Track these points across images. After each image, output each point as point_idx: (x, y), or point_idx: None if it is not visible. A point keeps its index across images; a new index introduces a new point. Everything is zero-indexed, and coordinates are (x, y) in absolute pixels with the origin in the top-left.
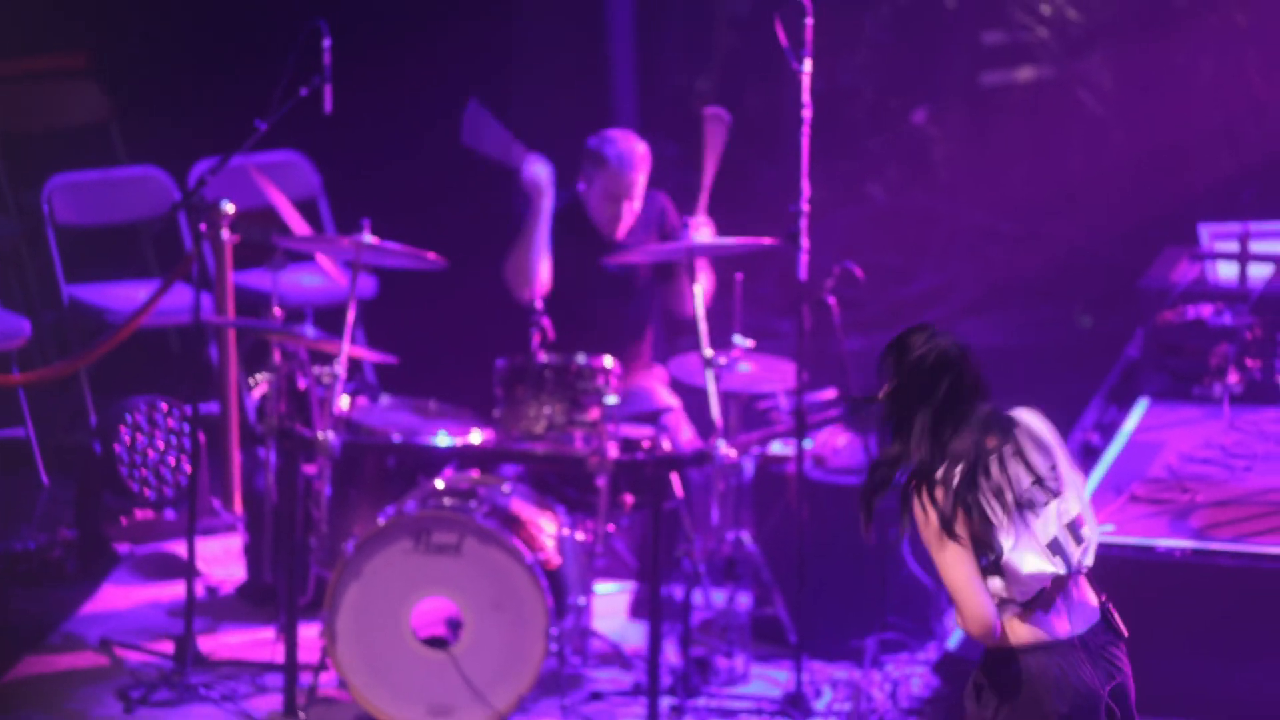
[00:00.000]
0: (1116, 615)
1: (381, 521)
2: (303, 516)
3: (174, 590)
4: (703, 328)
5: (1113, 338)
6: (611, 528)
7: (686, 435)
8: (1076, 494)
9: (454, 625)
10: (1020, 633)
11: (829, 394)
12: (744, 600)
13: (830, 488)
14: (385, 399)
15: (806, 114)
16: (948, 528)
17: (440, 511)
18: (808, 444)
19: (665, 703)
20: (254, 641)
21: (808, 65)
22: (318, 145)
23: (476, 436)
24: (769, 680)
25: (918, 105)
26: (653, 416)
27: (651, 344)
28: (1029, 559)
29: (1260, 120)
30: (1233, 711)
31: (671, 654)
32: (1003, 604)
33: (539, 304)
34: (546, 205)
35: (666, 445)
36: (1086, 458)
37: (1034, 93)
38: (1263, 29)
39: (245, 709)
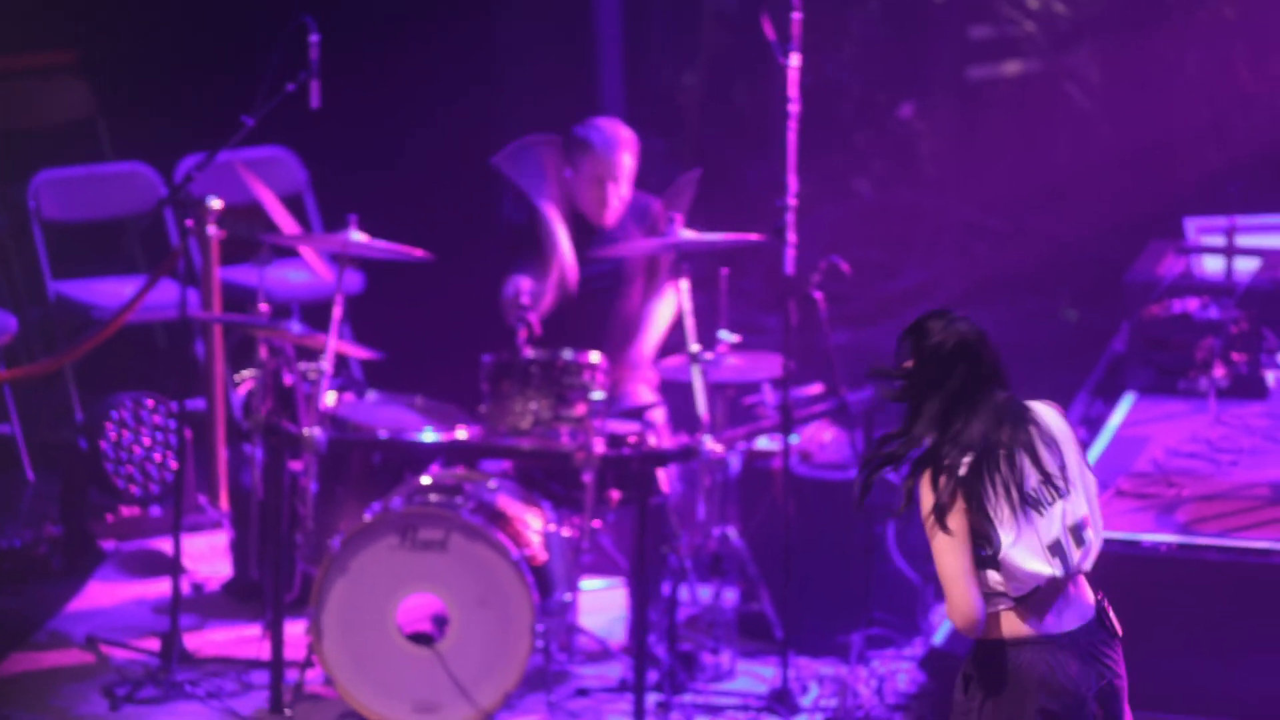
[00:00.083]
0: (1112, 614)
1: (368, 518)
2: (289, 513)
3: (160, 587)
4: (689, 323)
5: (1099, 332)
6: (598, 523)
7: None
8: (1085, 496)
9: (440, 622)
10: (1011, 626)
11: (815, 389)
12: (730, 596)
13: (816, 483)
14: (371, 395)
15: (794, 109)
16: (942, 517)
17: (426, 507)
18: (794, 439)
19: (651, 699)
20: (240, 638)
21: (795, 60)
22: (304, 141)
23: (463, 432)
24: (755, 676)
25: (905, 100)
26: (635, 414)
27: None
28: (1028, 558)
29: (1247, 114)
30: (1218, 706)
31: (658, 649)
32: (997, 597)
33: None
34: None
35: (652, 441)
36: None
37: (1021, 87)
38: (1251, 23)
39: (231, 706)
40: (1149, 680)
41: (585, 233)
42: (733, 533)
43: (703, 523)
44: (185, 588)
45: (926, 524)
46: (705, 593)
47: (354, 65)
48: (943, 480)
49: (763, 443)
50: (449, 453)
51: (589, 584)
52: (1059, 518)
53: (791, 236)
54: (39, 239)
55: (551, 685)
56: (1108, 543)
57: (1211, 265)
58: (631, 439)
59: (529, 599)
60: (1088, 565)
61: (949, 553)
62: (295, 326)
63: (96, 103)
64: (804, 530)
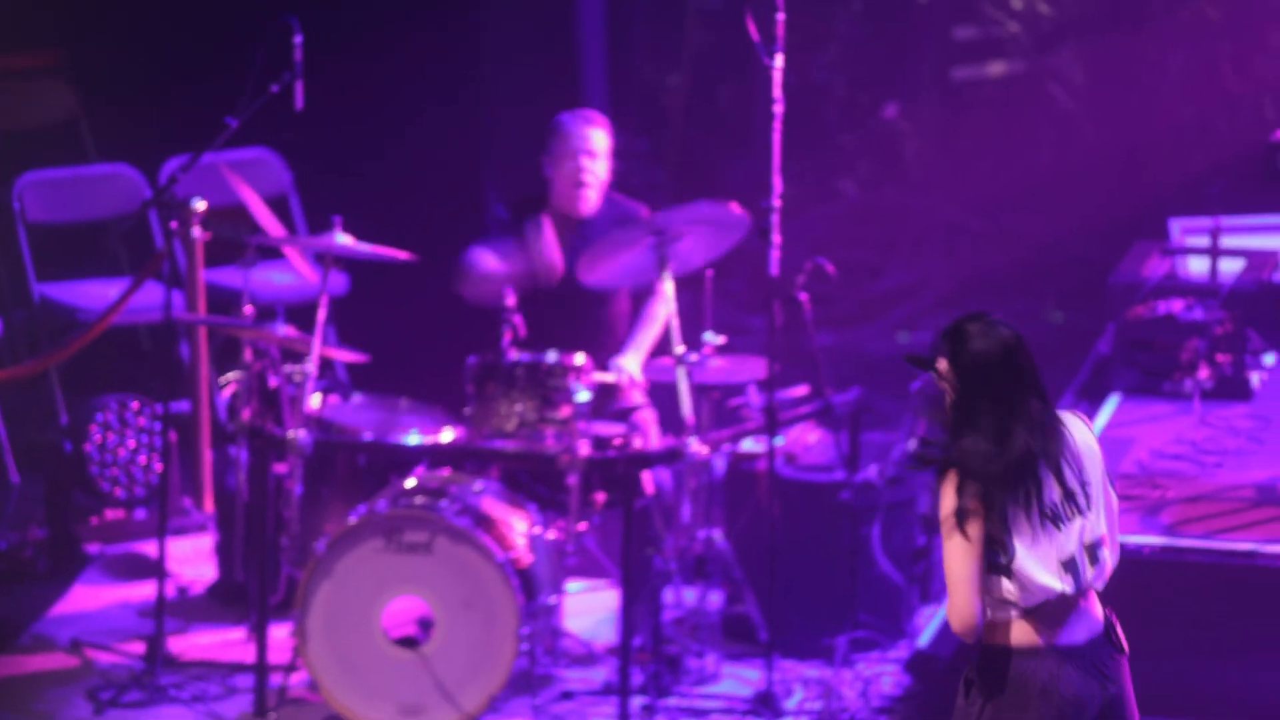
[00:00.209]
0: (1120, 630)
1: (353, 520)
2: (274, 515)
3: (145, 590)
4: (674, 324)
5: (1084, 333)
6: (583, 526)
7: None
8: (1105, 515)
9: (425, 625)
10: (1018, 634)
11: (800, 391)
12: (715, 599)
13: (802, 485)
14: (357, 397)
15: (778, 110)
16: (962, 522)
17: (411, 510)
18: (779, 441)
19: (636, 702)
20: (225, 642)
21: (779, 61)
22: (289, 142)
23: (448, 435)
24: (740, 679)
25: (889, 101)
26: (623, 415)
27: (624, 344)
28: (1041, 572)
29: (1231, 115)
30: (1201, 707)
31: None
32: (1006, 605)
33: (511, 301)
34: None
35: (638, 443)
36: None
37: (1005, 88)
38: (1234, 23)
39: (215, 710)
40: (1133, 682)
41: (565, 227)
42: (718, 535)
43: (688, 525)
44: (170, 591)
45: (944, 525)
46: (690, 595)
47: (338, 66)
48: (968, 486)
49: (748, 445)
50: (434, 455)
51: (574, 586)
52: (1076, 534)
53: (776, 237)
54: (23, 241)
55: (536, 688)
56: None
57: (1196, 266)
58: (617, 441)
59: (514, 602)
60: (1100, 584)
61: (960, 557)
62: (280, 328)
63: (81, 104)
64: (789, 533)
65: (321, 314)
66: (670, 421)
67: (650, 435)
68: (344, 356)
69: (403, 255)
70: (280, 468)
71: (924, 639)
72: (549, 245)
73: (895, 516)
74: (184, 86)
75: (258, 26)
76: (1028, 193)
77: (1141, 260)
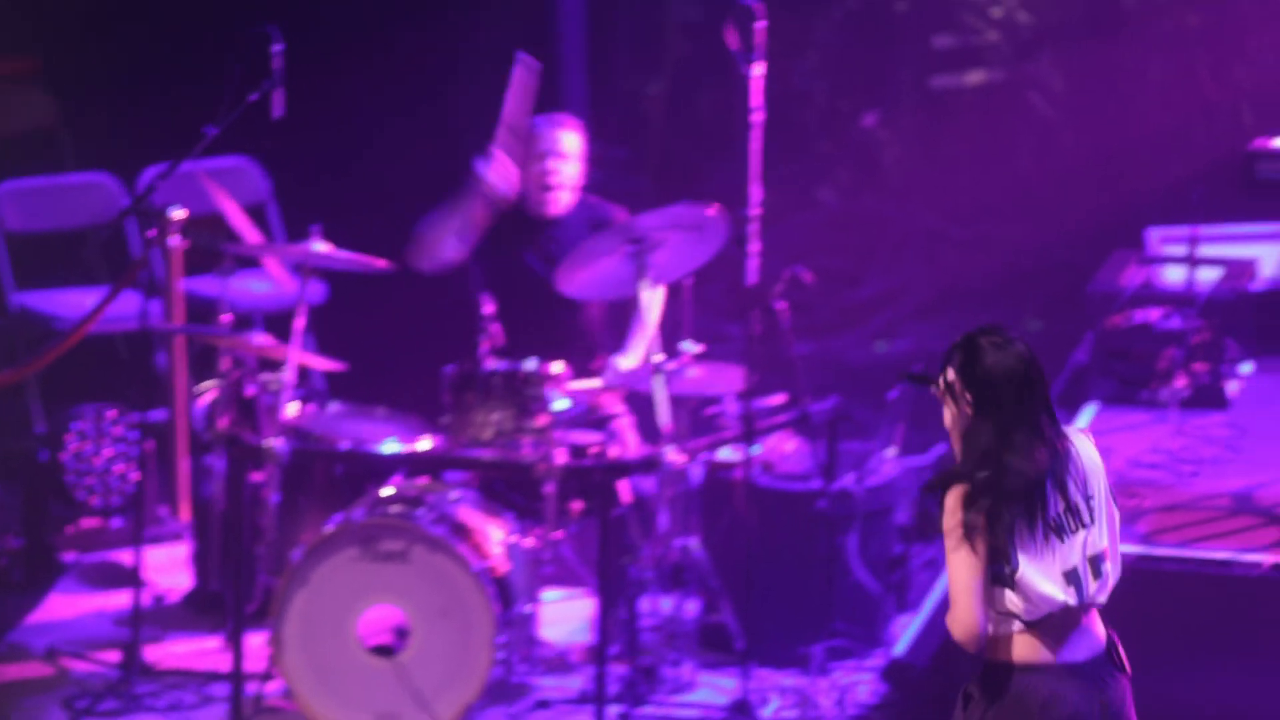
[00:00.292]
0: (1121, 650)
1: (329, 529)
2: (250, 524)
3: (120, 599)
4: (652, 332)
5: (1062, 341)
6: (559, 534)
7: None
8: (1108, 529)
9: (401, 633)
10: (1021, 651)
11: (778, 399)
12: (691, 607)
13: (778, 494)
14: (334, 406)
15: (757, 118)
16: (969, 534)
17: (388, 519)
18: (756, 450)
19: (612, 711)
20: (200, 650)
21: (759, 69)
22: (267, 151)
23: (425, 443)
24: (716, 688)
25: (869, 109)
26: (601, 423)
27: (603, 353)
28: (1044, 583)
29: (1209, 122)
30: (1176, 716)
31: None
32: (1009, 618)
33: (489, 309)
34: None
35: (614, 451)
36: None
37: (985, 96)
38: (1213, 31)
39: (191, 719)
40: None
41: (535, 230)
42: (694, 544)
43: (664, 534)
44: (146, 600)
45: (949, 538)
46: (666, 604)
47: (317, 75)
48: (977, 499)
49: (725, 453)
50: (411, 464)
51: (550, 595)
52: (1079, 547)
53: (754, 245)
54: (1, 249)
55: (512, 697)
56: None
57: (1173, 275)
58: (593, 449)
59: (490, 611)
60: (1102, 598)
61: (965, 568)
62: (258, 337)
63: (58, 112)
64: (765, 541)
65: (299, 322)
66: (648, 430)
67: (628, 443)
68: (321, 365)
69: (381, 264)
70: (257, 476)
71: (900, 647)
72: (499, 166)
73: (872, 525)
74: (162, 95)
75: (236, 35)
76: (1007, 201)
77: (1119, 269)
